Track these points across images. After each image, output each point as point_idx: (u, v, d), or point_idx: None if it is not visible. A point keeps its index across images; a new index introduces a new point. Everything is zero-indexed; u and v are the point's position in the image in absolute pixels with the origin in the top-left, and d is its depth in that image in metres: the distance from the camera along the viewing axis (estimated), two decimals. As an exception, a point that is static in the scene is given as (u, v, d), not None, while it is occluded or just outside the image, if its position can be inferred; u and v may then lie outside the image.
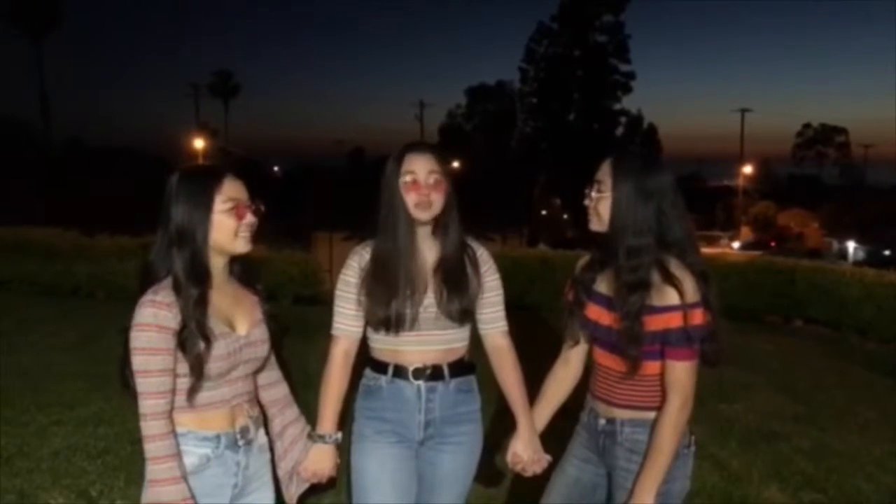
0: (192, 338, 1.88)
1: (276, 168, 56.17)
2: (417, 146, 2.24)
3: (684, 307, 2.01)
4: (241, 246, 2.01)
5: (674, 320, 2.02)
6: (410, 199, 2.18)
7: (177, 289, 1.89)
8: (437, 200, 2.19)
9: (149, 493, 1.85)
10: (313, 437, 2.28)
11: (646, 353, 2.08)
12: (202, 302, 1.92)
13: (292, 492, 2.27)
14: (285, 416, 2.26)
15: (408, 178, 2.19)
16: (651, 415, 2.12)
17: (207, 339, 1.91)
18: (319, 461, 2.28)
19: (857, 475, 4.23)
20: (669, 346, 2.05)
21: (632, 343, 2.06)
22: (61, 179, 28.32)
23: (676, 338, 2.03)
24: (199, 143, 43.92)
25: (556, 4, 44.86)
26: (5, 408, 4.76)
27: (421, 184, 2.18)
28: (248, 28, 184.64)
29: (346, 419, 2.35)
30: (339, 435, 2.31)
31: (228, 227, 1.96)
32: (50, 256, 9.94)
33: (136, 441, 4.17)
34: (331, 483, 2.39)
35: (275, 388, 2.24)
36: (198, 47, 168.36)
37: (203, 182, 1.96)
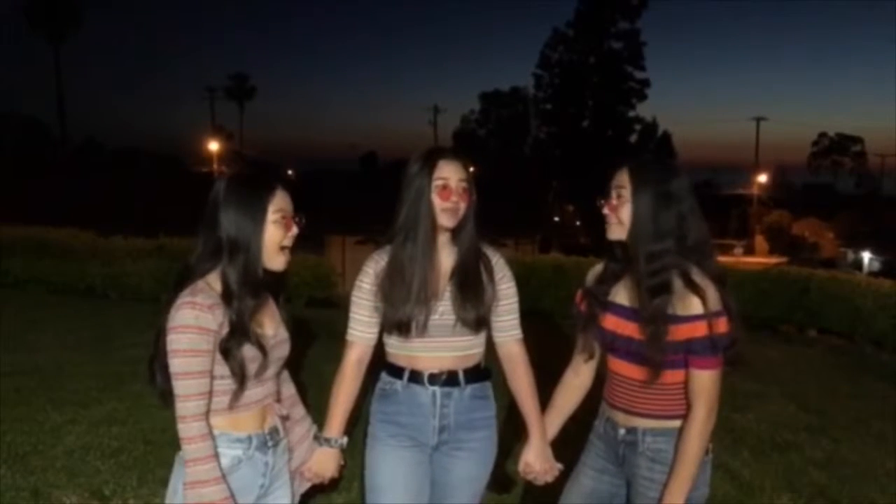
0: (239, 346, 1.89)
1: (290, 171, 56.34)
2: (448, 152, 2.26)
3: (708, 316, 2.01)
4: (281, 263, 2.02)
5: (698, 329, 2.02)
6: (439, 204, 2.20)
7: (228, 298, 1.89)
8: (464, 209, 2.22)
9: (190, 495, 1.85)
10: (319, 439, 2.30)
11: (669, 363, 2.07)
12: (257, 313, 1.93)
13: (295, 489, 2.29)
14: (293, 414, 2.27)
15: (439, 182, 2.20)
16: (673, 423, 2.12)
17: (263, 348, 1.94)
18: (323, 463, 2.31)
19: (871, 486, 4.20)
20: (694, 355, 2.04)
21: (656, 348, 2.05)
22: (77, 180, 28.53)
23: (702, 346, 2.03)
24: (214, 146, 44.19)
25: (572, 11, 44.79)
26: (20, 406, 4.79)
27: (452, 191, 2.19)
28: (264, 32, 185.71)
29: (354, 423, 2.36)
30: (345, 440, 2.33)
31: (276, 238, 1.98)
32: (65, 256, 10.00)
33: (149, 441, 4.23)
34: (332, 483, 2.42)
35: (283, 387, 2.25)
36: (214, 50, 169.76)
37: (256, 190, 1.97)
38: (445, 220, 2.21)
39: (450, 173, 2.20)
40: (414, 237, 2.22)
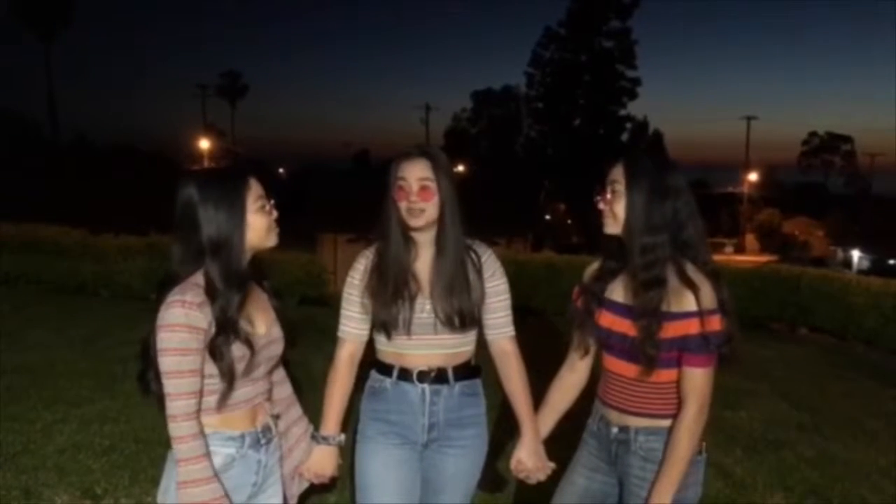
0: (228, 344, 1.88)
1: (281, 169, 56.22)
2: (412, 152, 2.24)
3: (701, 313, 2.00)
4: (274, 238, 2.03)
5: (692, 327, 2.01)
6: (401, 205, 2.21)
7: (212, 295, 1.88)
8: (428, 207, 2.20)
9: (182, 495, 1.84)
10: (317, 438, 2.30)
11: (662, 361, 2.06)
12: (242, 307, 1.93)
13: (294, 491, 2.29)
14: (289, 415, 2.26)
15: (399, 183, 2.21)
16: (665, 423, 2.12)
17: (251, 345, 1.93)
18: (322, 462, 2.30)
19: (862, 484, 4.22)
20: (688, 352, 2.04)
21: (649, 341, 2.04)
22: (68, 178, 28.38)
23: (695, 344, 2.02)
24: (205, 144, 44.07)
25: (564, 9, 44.87)
26: (11, 405, 4.77)
27: (409, 190, 2.19)
28: (256, 30, 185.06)
29: (349, 421, 2.36)
30: (343, 437, 2.33)
31: (262, 225, 1.98)
32: (56, 254, 9.95)
33: (140, 440, 4.22)
34: (331, 482, 2.42)
35: (280, 388, 2.24)
36: (206, 48, 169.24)
37: (232, 186, 1.95)
38: (410, 220, 2.21)
39: (408, 173, 2.20)
40: (389, 237, 2.24)
